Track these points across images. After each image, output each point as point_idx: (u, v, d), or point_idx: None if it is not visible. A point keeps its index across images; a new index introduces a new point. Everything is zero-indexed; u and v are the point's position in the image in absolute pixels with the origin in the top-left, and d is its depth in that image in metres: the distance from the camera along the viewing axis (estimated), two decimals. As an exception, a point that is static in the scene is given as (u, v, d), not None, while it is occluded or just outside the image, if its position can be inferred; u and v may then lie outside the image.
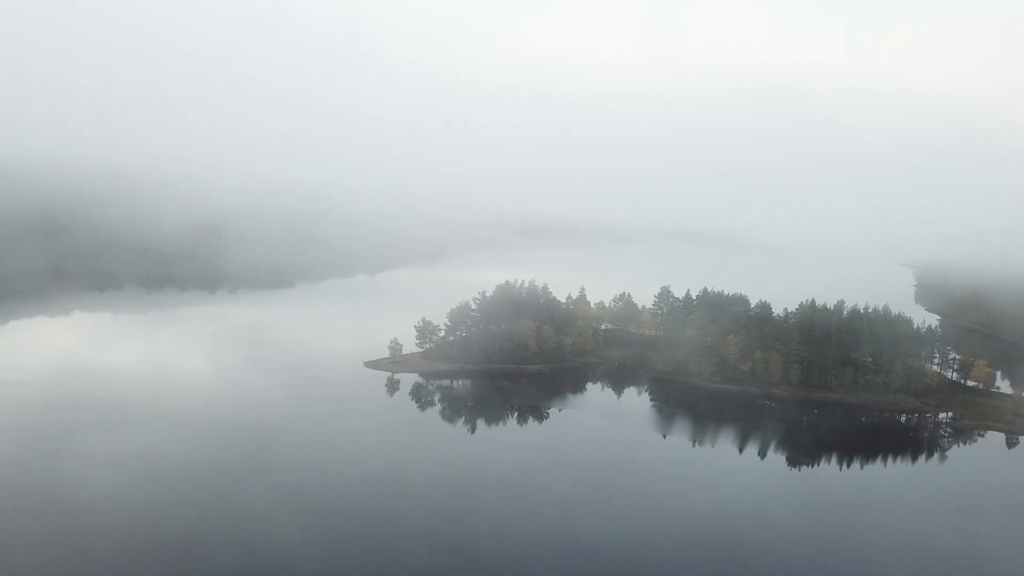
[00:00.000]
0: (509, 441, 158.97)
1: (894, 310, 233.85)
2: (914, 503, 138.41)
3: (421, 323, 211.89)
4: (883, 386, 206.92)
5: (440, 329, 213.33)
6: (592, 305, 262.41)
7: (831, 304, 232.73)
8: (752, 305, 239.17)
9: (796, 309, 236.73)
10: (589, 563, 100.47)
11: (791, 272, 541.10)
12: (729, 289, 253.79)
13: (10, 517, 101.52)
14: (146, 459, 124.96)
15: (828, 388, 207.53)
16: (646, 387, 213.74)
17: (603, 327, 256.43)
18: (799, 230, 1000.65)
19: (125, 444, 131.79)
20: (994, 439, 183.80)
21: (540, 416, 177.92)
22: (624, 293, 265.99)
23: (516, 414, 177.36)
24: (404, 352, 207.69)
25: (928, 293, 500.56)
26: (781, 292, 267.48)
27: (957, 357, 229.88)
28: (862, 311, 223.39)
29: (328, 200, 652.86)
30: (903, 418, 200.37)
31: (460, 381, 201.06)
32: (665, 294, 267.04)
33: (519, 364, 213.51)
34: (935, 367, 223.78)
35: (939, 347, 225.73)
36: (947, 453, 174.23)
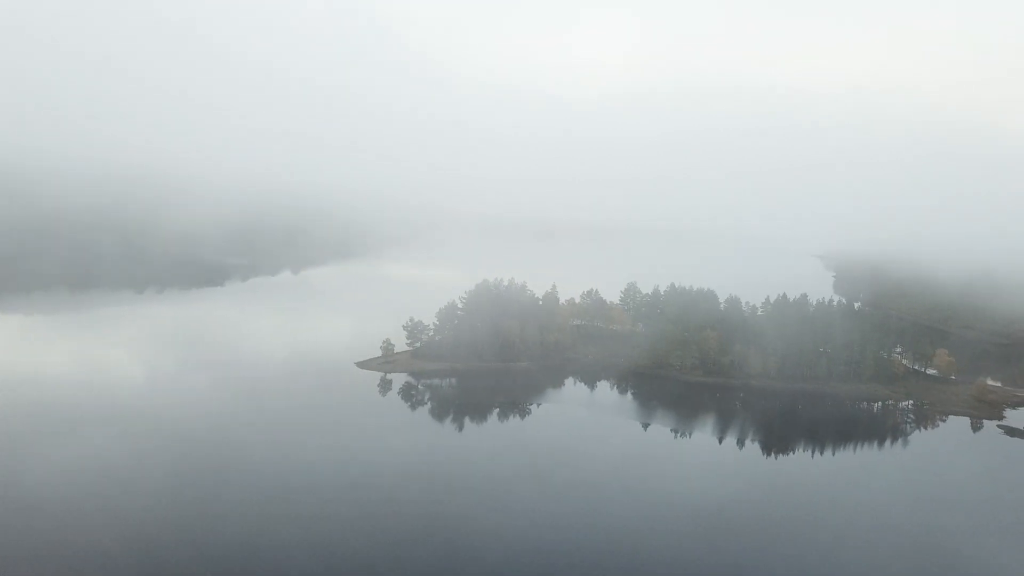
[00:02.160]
0: (496, 437, 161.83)
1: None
2: (880, 485, 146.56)
3: (410, 323, 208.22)
4: (855, 376, 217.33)
5: (429, 328, 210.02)
6: (562, 302, 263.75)
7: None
8: (721, 300, 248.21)
9: (763, 303, 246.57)
10: (570, 551, 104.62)
11: (706, 265, 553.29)
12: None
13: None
14: (130, 467, 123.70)
15: (804, 379, 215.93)
16: (628, 381, 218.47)
17: (575, 323, 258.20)
18: (709, 223, 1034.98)
19: (104, 452, 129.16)
20: (959, 423, 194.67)
21: (530, 412, 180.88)
22: (593, 289, 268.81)
23: (505, 411, 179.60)
24: (389, 351, 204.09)
25: (847, 283, 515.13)
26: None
27: (927, 348, 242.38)
28: (826, 303, 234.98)
29: (266, 197, 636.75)
30: (874, 406, 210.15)
31: (449, 380, 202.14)
32: (632, 290, 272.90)
33: (507, 362, 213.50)
34: (900, 357, 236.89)
35: (900, 338, 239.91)
36: (914, 438, 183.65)
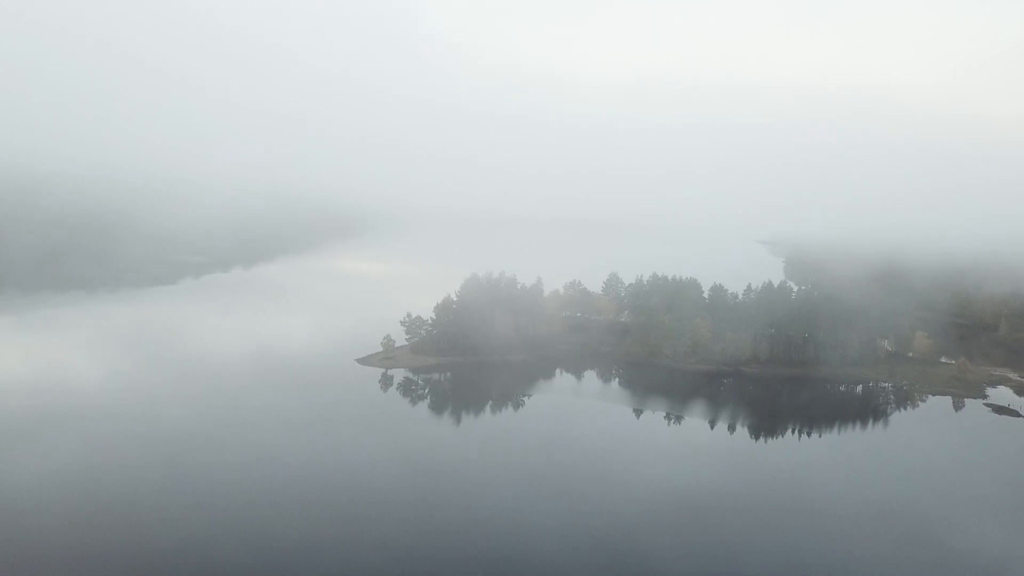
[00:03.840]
0: (495, 427, 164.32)
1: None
2: (866, 463, 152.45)
3: (407, 318, 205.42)
4: (841, 359, 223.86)
5: (427, 323, 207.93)
6: (546, 294, 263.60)
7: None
8: (705, 290, 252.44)
9: (745, 290, 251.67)
10: (565, 536, 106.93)
11: (655, 254, 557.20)
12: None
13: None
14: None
15: (793, 364, 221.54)
16: (621, 370, 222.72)
17: (563, 315, 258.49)
18: (650, 213, 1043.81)
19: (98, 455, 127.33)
20: (941, 402, 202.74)
21: (534, 404, 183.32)
22: (576, 280, 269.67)
23: (502, 403, 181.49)
24: (389, 347, 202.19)
25: (798, 269, 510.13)
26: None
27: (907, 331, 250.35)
28: (809, 290, 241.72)
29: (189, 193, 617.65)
30: (858, 388, 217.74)
31: (446, 374, 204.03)
32: (613, 280, 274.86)
33: (504, 355, 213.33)
34: (883, 340, 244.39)
35: (883, 321, 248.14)
36: (898, 417, 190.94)
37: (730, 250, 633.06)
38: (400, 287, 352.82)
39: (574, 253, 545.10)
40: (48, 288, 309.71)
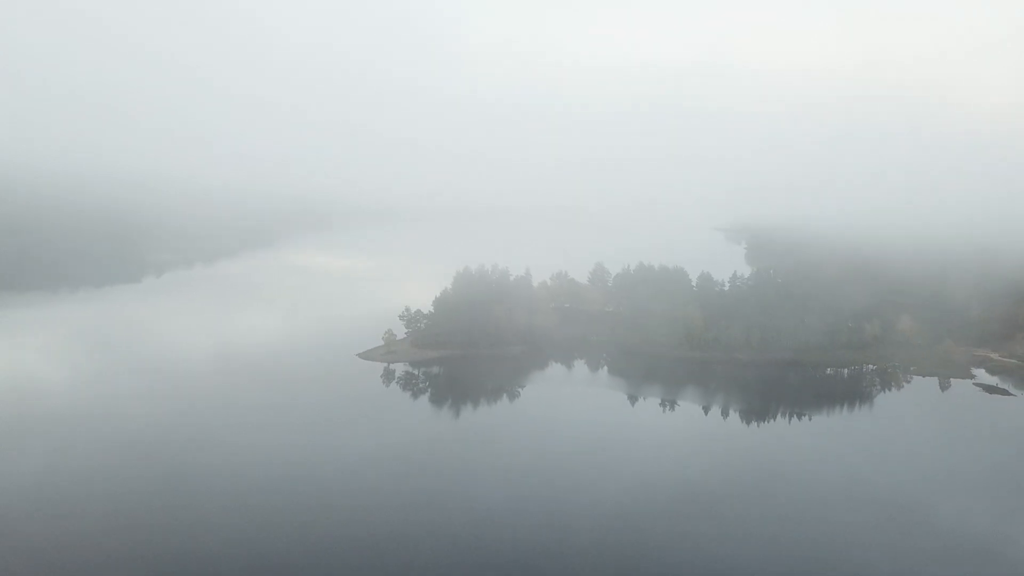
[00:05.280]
0: (492, 419, 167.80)
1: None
2: (854, 444, 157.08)
3: (406, 312, 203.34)
4: (830, 344, 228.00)
5: (425, 317, 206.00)
6: (534, 284, 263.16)
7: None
8: (693, 279, 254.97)
9: (731, 278, 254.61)
10: (559, 523, 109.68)
11: (616, 243, 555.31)
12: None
13: None
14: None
15: (785, 349, 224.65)
16: (615, 359, 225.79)
17: (553, 305, 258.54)
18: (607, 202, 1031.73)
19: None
20: (928, 383, 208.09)
21: (530, 394, 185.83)
22: (563, 271, 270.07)
23: (503, 395, 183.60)
24: (391, 341, 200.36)
25: (760, 255, 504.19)
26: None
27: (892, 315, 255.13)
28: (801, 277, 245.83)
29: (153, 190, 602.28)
30: (844, 372, 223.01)
31: (445, 368, 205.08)
32: (599, 270, 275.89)
33: (502, 347, 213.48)
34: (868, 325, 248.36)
35: (867, 306, 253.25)
36: (887, 399, 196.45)
37: (686, 238, 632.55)
38: (368, 283, 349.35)
39: (522, 244, 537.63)
40: (5, 289, 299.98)
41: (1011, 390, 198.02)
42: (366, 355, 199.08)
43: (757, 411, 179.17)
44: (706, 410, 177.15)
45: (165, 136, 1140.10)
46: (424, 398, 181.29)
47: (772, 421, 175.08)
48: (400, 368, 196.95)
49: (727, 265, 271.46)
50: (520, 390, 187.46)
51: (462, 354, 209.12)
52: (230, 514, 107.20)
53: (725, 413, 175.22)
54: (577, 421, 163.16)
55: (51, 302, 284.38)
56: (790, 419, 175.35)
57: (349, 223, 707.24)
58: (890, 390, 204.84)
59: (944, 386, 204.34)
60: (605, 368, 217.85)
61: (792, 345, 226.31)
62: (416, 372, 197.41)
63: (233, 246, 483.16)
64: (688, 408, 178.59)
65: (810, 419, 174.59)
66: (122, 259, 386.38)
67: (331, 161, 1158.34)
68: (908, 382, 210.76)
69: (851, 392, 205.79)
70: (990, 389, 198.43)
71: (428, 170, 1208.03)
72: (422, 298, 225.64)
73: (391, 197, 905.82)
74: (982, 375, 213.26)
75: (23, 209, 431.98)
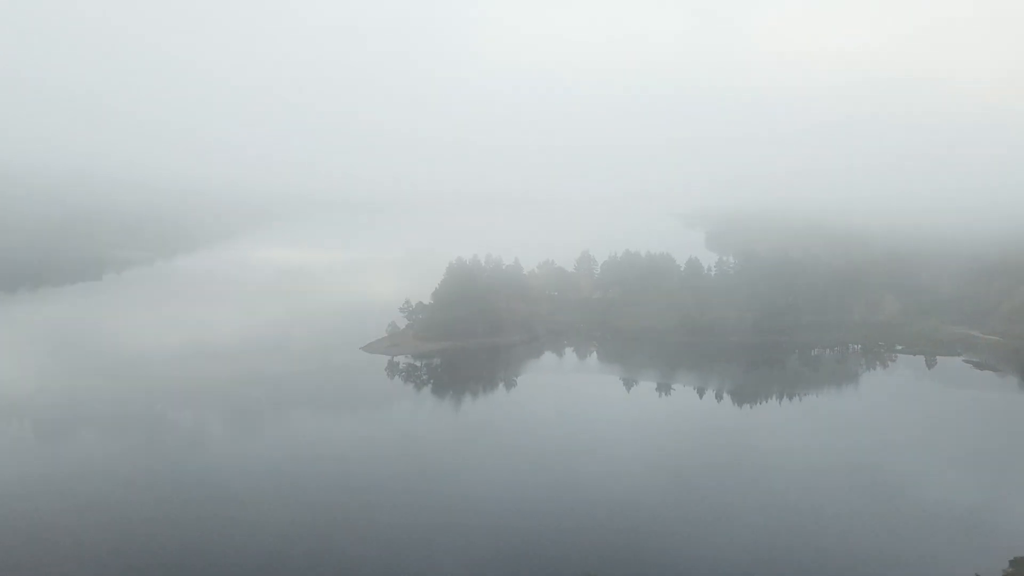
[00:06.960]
0: (496, 407, 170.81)
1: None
2: (843, 422, 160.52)
3: (407, 304, 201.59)
4: (820, 326, 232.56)
5: (425, 309, 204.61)
6: (524, 273, 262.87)
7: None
8: (681, 265, 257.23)
9: (717, 262, 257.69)
10: (558, 509, 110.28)
11: (569, 228, 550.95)
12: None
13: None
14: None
15: (777, 332, 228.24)
16: (610, 346, 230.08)
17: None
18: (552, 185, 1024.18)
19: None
20: (914, 360, 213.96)
21: (534, 382, 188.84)
22: (550, 260, 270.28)
23: (499, 384, 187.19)
24: (395, 334, 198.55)
25: (720, 242, 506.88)
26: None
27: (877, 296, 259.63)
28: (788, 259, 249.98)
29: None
30: (830, 351, 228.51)
31: (446, 359, 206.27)
32: (585, 258, 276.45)
33: (503, 337, 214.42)
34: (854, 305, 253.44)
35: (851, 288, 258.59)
36: (873, 377, 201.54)
37: (640, 226, 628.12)
38: (346, 278, 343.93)
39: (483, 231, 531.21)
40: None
41: (999, 367, 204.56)
42: (369, 348, 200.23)
43: (748, 392, 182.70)
44: (700, 393, 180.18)
45: (135, 129, 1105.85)
46: (423, 389, 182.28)
47: (764, 402, 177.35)
48: (403, 360, 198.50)
49: (684, 251, 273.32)
50: (525, 379, 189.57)
51: (463, 345, 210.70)
52: (238, 509, 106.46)
53: (719, 396, 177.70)
54: (579, 407, 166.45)
55: (13, 302, 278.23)
56: (781, 400, 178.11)
57: (319, 216, 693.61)
58: (877, 368, 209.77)
59: (931, 364, 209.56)
60: (598, 354, 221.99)
61: (783, 328, 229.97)
62: (419, 364, 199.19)
63: (189, 243, 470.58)
64: (682, 391, 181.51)
65: (800, 400, 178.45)
66: (82, 256, 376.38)
67: (314, 153, 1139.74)
68: (893, 360, 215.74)
69: (836, 371, 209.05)
70: (980, 366, 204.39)
71: (397, 161, 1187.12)
72: (415, 290, 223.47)
73: (360, 188, 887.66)
74: (969, 354, 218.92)
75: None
